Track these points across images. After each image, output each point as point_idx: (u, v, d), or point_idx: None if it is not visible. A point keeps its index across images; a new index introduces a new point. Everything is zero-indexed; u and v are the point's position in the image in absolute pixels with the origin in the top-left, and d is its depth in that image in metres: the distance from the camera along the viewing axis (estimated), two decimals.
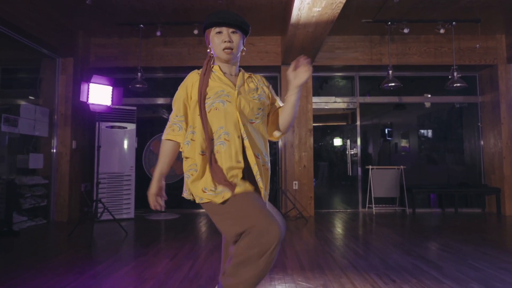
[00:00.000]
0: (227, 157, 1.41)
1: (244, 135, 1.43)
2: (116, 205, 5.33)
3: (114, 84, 4.35)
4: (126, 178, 5.47)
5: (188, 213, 5.96)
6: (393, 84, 5.20)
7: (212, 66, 1.56)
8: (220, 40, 1.48)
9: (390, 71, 5.25)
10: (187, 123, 1.53)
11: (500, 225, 4.90)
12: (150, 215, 5.65)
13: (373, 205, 6.07)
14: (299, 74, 1.46)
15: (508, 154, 5.74)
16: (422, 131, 7.94)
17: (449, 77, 5.30)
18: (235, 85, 1.51)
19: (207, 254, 3.31)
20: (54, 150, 5.28)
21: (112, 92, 4.26)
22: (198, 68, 1.60)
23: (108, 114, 5.14)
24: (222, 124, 1.43)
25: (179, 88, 1.56)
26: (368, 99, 6.48)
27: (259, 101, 1.52)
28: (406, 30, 5.27)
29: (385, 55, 5.81)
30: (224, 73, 1.54)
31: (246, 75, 1.60)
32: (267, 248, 1.24)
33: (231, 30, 1.48)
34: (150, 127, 6.51)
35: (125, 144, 5.51)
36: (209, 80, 1.50)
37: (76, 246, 3.68)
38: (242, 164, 1.42)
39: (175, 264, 2.98)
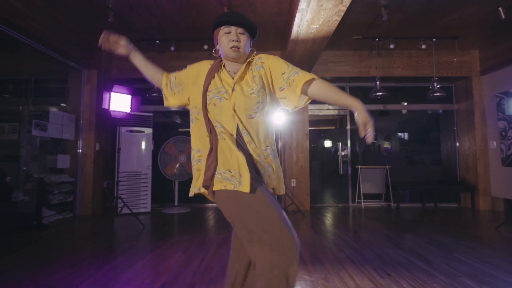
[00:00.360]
0: (225, 150, 1.25)
1: (243, 132, 1.26)
2: (135, 200, 5.15)
3: (133, 93, 4.19)
4: (144, 176, 5.29)
5: (198, 207, 5.78)
6: (380, 93, 5.04)
7: (221, 63, 1.41)
8: (228, 39, 1.33)
9: (378, 82, 5.08)
10: (178, 90, 1.47)
11: (475, 219, 4.73)
12: (164, 209, 5.47)
13: (362, 200, 5.89)
14: (361, 129, 1.20)
15: (481, 155, 5.56)
16: (403, 134, 7.78)
17: (430, 87, 5.14)
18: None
19: (216, 248, 3.14)
20: (80, 151, 5.10)
21: (131, 100, 4.09)
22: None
23: (127, 120, 4.98)
24: (218, 119, 1.28)
25: (193, 64, 1.47)
26: None
27: (257, 94, 1.30)
28: (391, 46, 5.09)
29: (372, 68, 5.64)
30: (228, 71, 1.39)
31: (244, 65, 1.37)
32: (286, 268, 1.06)
33: (239, 30, 1.34)
34: (165, 131, 6.31)
35: (143, 146, 5.34)
36: (215, 74, 1.36)
37: (98, 239, 3.50)
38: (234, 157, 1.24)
39: (188, 257, 2.80)
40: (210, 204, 5.90)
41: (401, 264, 2.59)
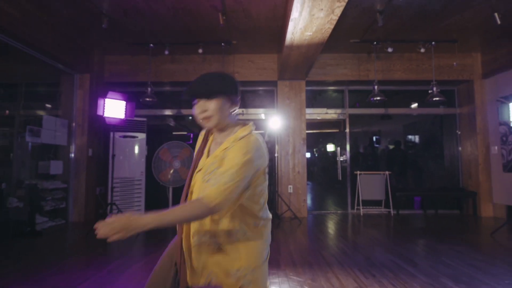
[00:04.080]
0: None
1: None
2: (128, 207, 5.47)
3: (127, 99, 4.53)
4: (137, 182, 5.63)
5: None
6: (378, 98, 5.39)
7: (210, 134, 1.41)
8: (196, 111, 1.28)
9: (376, 86, 5.43)
10: None
11: (475, 226, 5.06)
12: None
13: (361, 207, 6.22)
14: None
15: (483, 161, 5.91)
16: (406, 139, 8.14)
17: (429, 91, 5.49)
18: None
19: None
20: (72, 157, 5.45)
21: (126, 106, 4.44)
22: None
23: (121, 125, 5.31)
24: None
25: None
26: (357, 110, 6.65)
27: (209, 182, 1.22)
28: (390, 49, 5.45)
29: (371, 71, 6.00)
30: (215, 142, 1.36)
31: (228, 143, 1.26)
32: None
33: (203, 99, 1.26)
34: (159, 136, 6.66)
35: (136, 151, 5.70)
36: (204, 149, 1.38)
37: (93, 245, 3.84)
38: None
39: None
40: None
41: (387, 267, 2.93)
